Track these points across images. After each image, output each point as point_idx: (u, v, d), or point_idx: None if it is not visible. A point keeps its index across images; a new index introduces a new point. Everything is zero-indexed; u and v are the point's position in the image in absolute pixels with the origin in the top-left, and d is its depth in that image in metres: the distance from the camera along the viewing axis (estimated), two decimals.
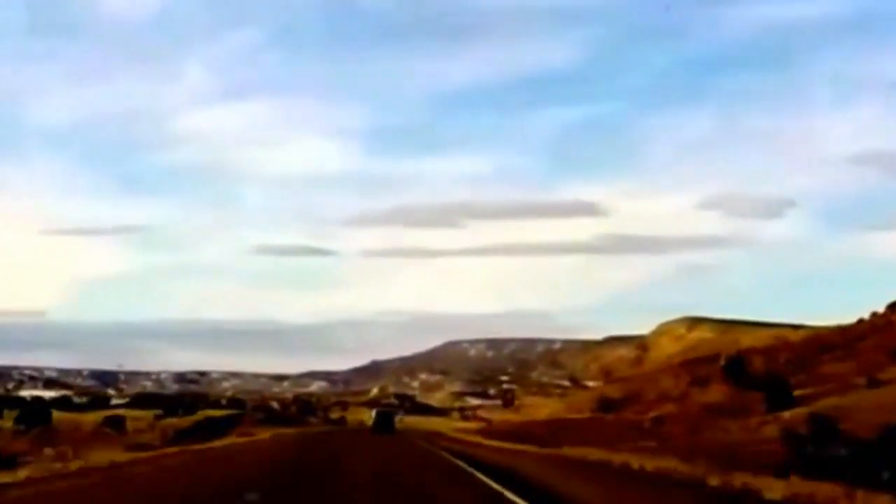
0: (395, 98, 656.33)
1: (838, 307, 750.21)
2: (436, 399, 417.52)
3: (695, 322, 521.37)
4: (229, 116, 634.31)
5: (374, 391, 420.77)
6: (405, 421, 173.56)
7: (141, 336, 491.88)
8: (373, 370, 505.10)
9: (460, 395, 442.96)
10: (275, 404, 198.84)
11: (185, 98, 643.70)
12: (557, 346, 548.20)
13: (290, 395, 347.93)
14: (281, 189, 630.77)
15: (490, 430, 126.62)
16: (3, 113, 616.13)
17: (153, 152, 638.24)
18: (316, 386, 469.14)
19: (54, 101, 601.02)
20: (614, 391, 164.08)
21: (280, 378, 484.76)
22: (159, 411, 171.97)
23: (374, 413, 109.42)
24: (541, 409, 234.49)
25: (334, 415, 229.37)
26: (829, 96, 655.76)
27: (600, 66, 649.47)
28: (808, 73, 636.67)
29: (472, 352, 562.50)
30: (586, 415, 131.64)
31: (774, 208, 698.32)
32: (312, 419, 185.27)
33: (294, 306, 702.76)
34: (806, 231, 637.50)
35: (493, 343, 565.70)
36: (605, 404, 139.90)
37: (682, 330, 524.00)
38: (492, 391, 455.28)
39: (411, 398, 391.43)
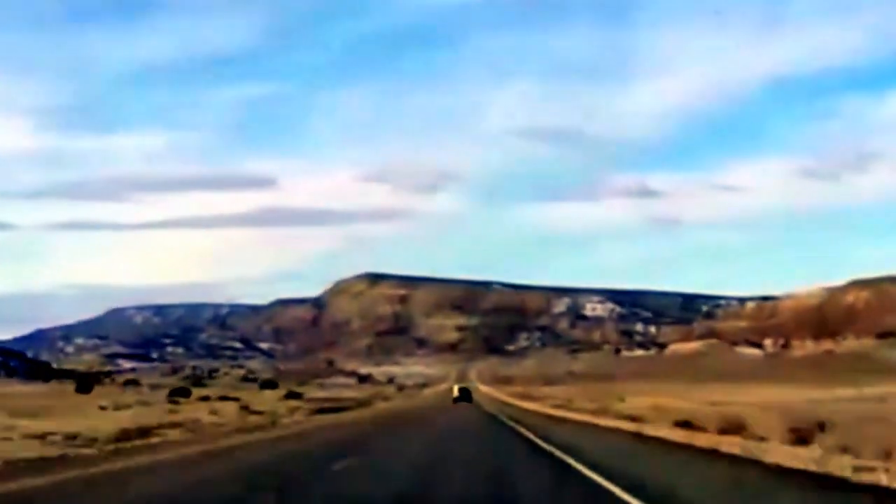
0: (73, 76, 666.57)
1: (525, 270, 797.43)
2: (81, 362, 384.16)
3: (376, 279, 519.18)
4: None
5: None
6: None
7: None
8: (36, 337, 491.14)
9: (113, 357, 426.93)
10: None
11: None
12: (225, 311, 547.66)
13: None
14: None
15: None
16: None
17: None
18: None
19: None
20: None
21: None
22: None
23: (456, 388, 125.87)
24: None
25: None
26: (490, 75, 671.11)
27: (276, 44, 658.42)
28: (471, 53, 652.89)
29: (139, 318, 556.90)
30: None
31: (437, 182, 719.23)
32: None
33: None
34: (467, 203, 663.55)
35: (160, 309, 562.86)
36: None
37: (362, 286, 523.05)
38: (154, 354, 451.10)
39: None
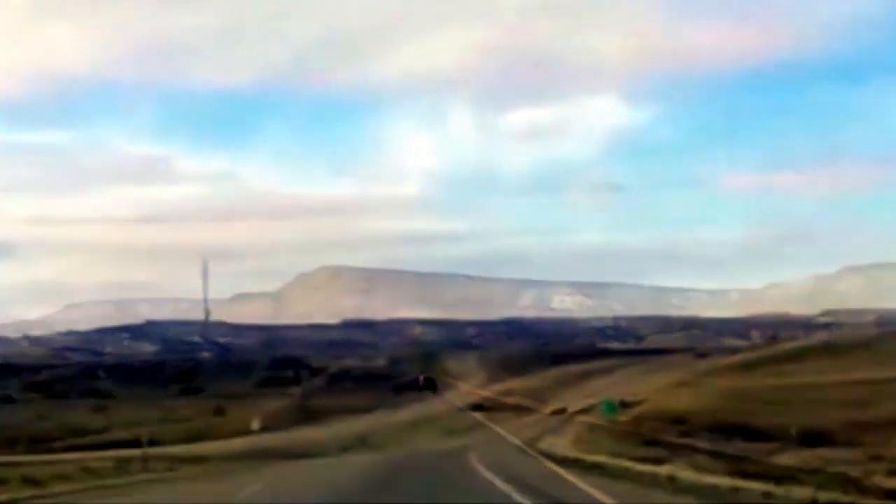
0: (32, 70, 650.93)
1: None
2: (30, 358, 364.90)
3: (336, 271, 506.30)
4: None
5: None
6: None
7: None
8: None
9: (63, 350, 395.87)
10: None
11: None
12: (185, 305, 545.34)
13: None
14: None
15: None
16: None
17: None
18: None
19: None
20: None
21: None
22: None
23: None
24: None
25: None
26: (456, 71, 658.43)
27: (239, 38, 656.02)
28: (437, 50, 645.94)
29: (97, 313, 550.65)
30: None
31: (400, 175, 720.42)
32: None
33: None
34: (431, 196, 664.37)
35: (119, 304, 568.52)
36: None
37: (323, 279, 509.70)
38: (108, 349, 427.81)
39: None
